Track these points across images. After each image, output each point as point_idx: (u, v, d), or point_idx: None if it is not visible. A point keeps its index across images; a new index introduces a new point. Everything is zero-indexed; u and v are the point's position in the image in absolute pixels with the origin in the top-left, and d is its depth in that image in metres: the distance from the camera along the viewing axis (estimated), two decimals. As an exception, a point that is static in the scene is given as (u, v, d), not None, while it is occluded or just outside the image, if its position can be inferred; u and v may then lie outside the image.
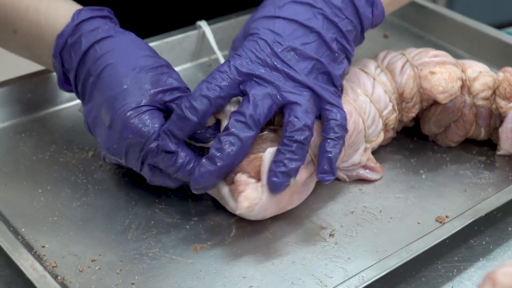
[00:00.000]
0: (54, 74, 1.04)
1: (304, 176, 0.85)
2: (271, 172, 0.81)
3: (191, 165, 0.82)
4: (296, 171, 0.81)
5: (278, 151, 0.82)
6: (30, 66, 1.04)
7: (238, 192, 0.81)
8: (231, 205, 0.83)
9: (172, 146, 0.81)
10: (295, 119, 0.82)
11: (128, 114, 0.83)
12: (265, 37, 0.85)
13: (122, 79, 0.85)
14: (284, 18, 0.87)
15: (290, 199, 0.85)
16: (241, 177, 0.81)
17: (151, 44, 0.91)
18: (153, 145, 0.82)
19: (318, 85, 0.85)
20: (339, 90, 0.88)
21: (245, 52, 0.85)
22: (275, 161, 0.81)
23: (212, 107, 0.82)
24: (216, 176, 0.81)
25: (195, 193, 0.84)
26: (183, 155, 0.82)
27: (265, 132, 0.85)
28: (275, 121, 0.88)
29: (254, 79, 0.83)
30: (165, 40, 1.14)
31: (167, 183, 0.85)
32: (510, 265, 0.48)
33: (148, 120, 0.83)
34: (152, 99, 0.84)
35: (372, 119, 0.92)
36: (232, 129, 0.81)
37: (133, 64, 0.86)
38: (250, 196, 0.81)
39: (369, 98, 0.92)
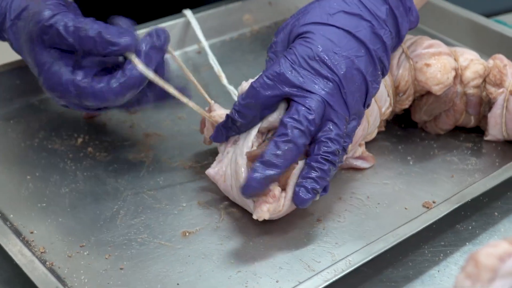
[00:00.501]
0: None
1: None
2: (301, 188, 0.80)
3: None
4: (322, 187, 0.81)
5: (310, 167, 0.80)
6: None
7: (264, 202, 0.79)
8: (249, 205, 0.83)
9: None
10: (332, 142, 0.80)
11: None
12: (321, 43, 0.82)
13: None
14: (338, 28, 0.83)
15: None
16: (275, 190, 0.80)
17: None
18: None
19: (356, 110, 0.83)
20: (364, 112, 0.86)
21: (296, 57, 0.82)
22: (306, 177, 0.80)
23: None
24: (270, 182, 0.79)
25: (245, 197, 0.81)
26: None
27: None
28: None
29: (304, 91, 0.80)
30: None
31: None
32: (494, 246, 0.48)
33: None
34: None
35: (373, 119, 0.93)
36: (290, 136, 0.79)
37: None
38: (273, 209, 0.80)
39: (374, 98, 0.91)
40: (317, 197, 0.81)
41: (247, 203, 0.83)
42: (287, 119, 0.79)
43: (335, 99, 0.81)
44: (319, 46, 0.82)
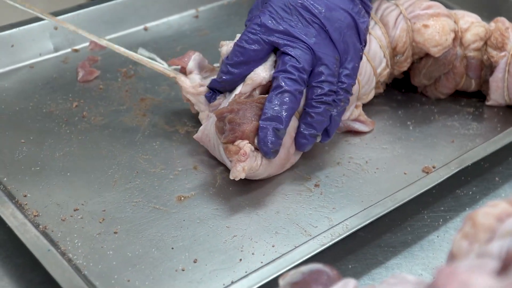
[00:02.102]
0: (37, 24, 1.03)
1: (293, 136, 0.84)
2: (300, 134, 0.82)
3: None
4: (321, 131, 0.83)
5: (306, 113, 0.82)
6: (12, 16, 1.02)
7: (238, 161, 0.79)
8: (227, 164, 0.82)
9: None
10: (324, 83, 0.81)
11: None
12: None
13: None
14: None
15: (283, 162, 0.84)
16: (245, 147, 0.79)
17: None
18: None
19: (347, 48, 0.84)
20: (364, 46, 0.87)
21: (273, 8, 0.83)
22: (304, 123, 0.82)
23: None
24: (282, 135, 0.80)
25: (272, 158, 0.81)
26: None
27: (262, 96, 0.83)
28: None
29: (288, 37, 0.82)
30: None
31: None
32: (492, 205, 0.47)
33: None
34: None
35: (367, 78, 0.91)
36: (284, 87, 0.80)
37: None
38: (248, 167, 0.79)
39: (366, 56, 0.90)
40: (318, 139, 0.83)
41: (227, 163, 0.83)
42: (277, 73, 0.81)
43: (319, 40, 0.82)
44: None
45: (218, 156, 0.85)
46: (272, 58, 0.84)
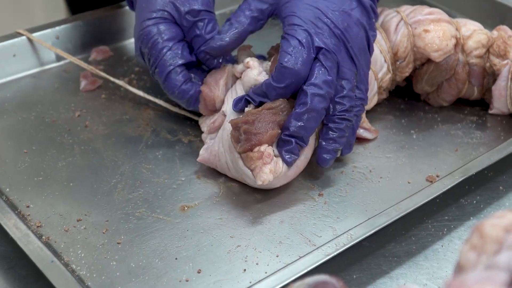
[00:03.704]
0: (39, 33, 1.03)
1: (312, 147, 0.85)
2: (323, 150, 0.83)
3: (186, 86, 0.87)
4: (342, 145, 0.84)
5: (328, 128, 0.83)
6: (13, 25, 1.02)
7: (264, 164, 0.79)
8: (248, 175, 0.81)
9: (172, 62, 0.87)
10: (345, 99, 0.82)
11: (141, 24, 0.88)
12: (319, 5, 0.84)
13: None
14: None
15: (300, 170, 0.84)
16: (268, 150, 0.79)
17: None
18: (156, 53, 0.87)
19: (362, 61, 0.85)
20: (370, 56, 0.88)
21: (305, 23, 0.83)
22: (326, 139, 0.83)
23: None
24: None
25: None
26: (180, 74, 0.88)
27: (278, 100, 0.83)
28: None
29: (322, 51, 0.82)
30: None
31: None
32: (499, 216, 0.47)
33: (158, 30, 0.88)
34: (171, 14, 0.88)
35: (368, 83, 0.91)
36: (310, 105, 0.80)
37: None
38: (274, 170, 0.79)
39: None
40: (338, 154, 0.84)
41: (246, 174, 0.81)
42: (307, 86, 0.81)
43: (342, 55, 0.83)
44: (318, 9, 0.83)
45: (231, 173, 0.84)
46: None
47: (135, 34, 0.91)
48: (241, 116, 0.82)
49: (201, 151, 0.86)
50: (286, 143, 0.81)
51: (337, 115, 0.82)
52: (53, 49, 1.02)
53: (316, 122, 0.81)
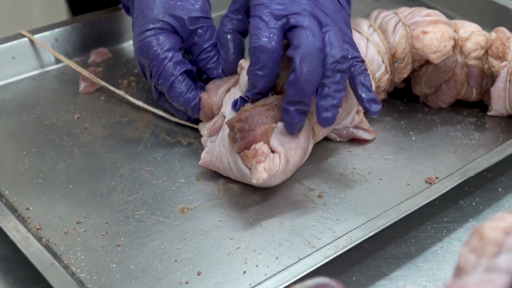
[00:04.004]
0: (39, 35, 1.03)
1: (308, 137, 0.84)
2: (321, 109, 0.80)
3: (191, 94, 0.88)
4: (341, 101, 0.81)
5: (322, 85, 0.80)
6: (12, 28, 1.02)
7: (258, 162, 0.79)
8: (248, 174, 0.81)
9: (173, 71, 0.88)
10: (335, 50, 0.80)
11: (140, 35, 0.89)
12: None
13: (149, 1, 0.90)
14: None
15: (298, 164, 0.84)
16: (262, 147, 0.79)
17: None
18: (158, 64, 0.88)
19: (338, 18, 0.84)
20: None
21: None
22: (323, 96, 0.80)
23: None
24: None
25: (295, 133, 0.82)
26: (183, 82, 0.88)
27: (272, 97, 0.83)
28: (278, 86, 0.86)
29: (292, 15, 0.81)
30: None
31: (172, 111, 0.92)
32: (499, 219, 0.47)
33: (157, 41, 0.88)
34: (170, 23, 0.88)
35: None
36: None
37: None
38: (269, 168, 0.79)
39: None
40: (339, 111, 0.82)
41: (245, 173, 0.81)
42: (293, 52, 0.79)
43: (316, 12, 0.81)
44: None
45: (236, 172, 0.83)
46: None
47: (134, 45, 0.91)
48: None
49: (203, 154, 0.86)
50: (285, 112, 0.80)
51: (327, 68, 0.79)
52: (56, 53, 1.01)
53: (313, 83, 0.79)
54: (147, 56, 0.88)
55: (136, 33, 0.90)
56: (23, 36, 1.02)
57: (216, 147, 0.85)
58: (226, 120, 0.85)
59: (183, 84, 0.88)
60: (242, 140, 0.80)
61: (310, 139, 0.84)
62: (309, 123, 0.84)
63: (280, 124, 0.82)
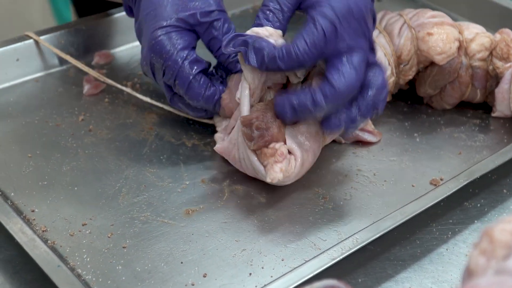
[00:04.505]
0: (42, 37, 1.03)
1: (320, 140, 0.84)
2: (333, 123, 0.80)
3: (210, 91, 0.86)
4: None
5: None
6: (14, 31, 1.02)
7: (275, 162, 0.79)
8: (261, 171, 0.81)
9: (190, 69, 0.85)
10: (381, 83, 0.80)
11: (152, 34, 0.86)
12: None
13: None
14: None
15: (310, 165, 0.84)
16: (282, 148, 0.79)
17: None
18: (172, 64, 0.85)
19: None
20: None
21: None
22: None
23: None
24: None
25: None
26: (200, 81, 0.86)
27: None
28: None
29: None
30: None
31: (186, 110, 0.90)
32: (508, 221, 0.47)
33: (171, 40, 0.85)
34: (184, 20, 0.86)
35: None
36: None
37: None
38: (285, 169, 0.79)
39: None
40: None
41: (259, 169, 0.80)
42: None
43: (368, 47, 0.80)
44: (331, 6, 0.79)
45: (247, 164, 0.82)
46: None
47: (143, 44, 0.88)
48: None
49: (218, 141, 0.86)
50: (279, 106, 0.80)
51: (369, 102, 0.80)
52: (62, 54, 1.01)
53: None
54: (160, 55, 0.85)
55: (147, 32, 0.87)
56: (27, 38, 1.02)
57: (234, 134, 0.83)
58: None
59: (201, 83, 0.86)
60: (261, 138, 0.79)
61: (320, 143, 0.85)
62: (320, 128, 0.83)
63: (296, 126, 0.82)
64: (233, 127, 0.85)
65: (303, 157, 0.81)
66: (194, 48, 0.88)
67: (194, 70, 0.86)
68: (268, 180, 0.79)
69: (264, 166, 0.80)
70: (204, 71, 0.87)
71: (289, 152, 0.81)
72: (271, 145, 0.79)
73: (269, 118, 0.80)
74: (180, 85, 0.86)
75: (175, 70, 0.85)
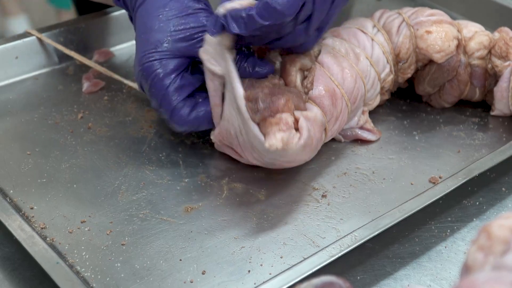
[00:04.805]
0: (42, 35, 1.03)
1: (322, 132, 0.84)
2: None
3: (193, 116, 0.84)
4: None
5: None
6: (16, 28, 1.02)
7: (279, 130, 0.76)
8: (260, 139, 0.78)
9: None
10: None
11: (142, 59, 0.84)
12: None
13: (151, 20, 0.85)
14: None
15: (310, 153, 0.83)
16: (288, 118, 0.77)
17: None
18: (157, 91, 0.83)
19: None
20: None
21: None
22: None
23: None
24: None
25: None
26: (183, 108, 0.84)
27: (277, 78, 0.83)
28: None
29: None
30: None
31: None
32: (506, 217, 0.47)
33: (157, 66, 0.83)
34: (173, 45, 0.84)
35: (371, 82, 0.91)
36: None
37: (163, 4, 0.85)
38: (286, 140, 0.76)
39: (369, 61, 0.91)
40: None
41: (257, 138, 0.78)
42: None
43: None
44: None
45: (244, 136, 0.80)
46: None
47: (135, 64, 0.86)
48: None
49: (212, 131, 0.86)
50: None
51: None
52: (67, 50, 1.01)
53: None
54: (146, 81, 0.84)
55: (138, 56, 0.85)
56: (27, 35, 1.02)
57: (226, 110, 0.82)
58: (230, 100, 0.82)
59: (185, 107, 0.84)
60: (266, 110, 0.77)
61: (322, 137, 0.84)
62: (323, 120, 0.83)
63: (304, 111, 0.81)
64: (221, 112, 0.84)
65: (307, 139, 0.79)
66: (186, 69, 0.85)
67: (179, 96, 0.84)
68: (266, 145, 0.76)
69: (265, 134, 0.77)
70: (192, 93, 0.85)
71: (296, 129, 0.79)
72: (277, 115, 0.77)
73: (275, 93, 0.79)
74: (165, 113, 0.84)
75: (159, 97, 0.84)
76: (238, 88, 0.79)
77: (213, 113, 0.84)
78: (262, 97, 0.78)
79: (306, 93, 0.84)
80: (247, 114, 0.78)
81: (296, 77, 0.84)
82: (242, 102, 0.78)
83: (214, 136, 0.86)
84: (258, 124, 0.78)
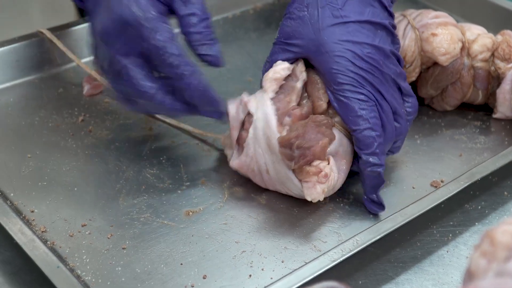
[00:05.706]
0: (43, 38, 1.03)
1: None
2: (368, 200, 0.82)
3: (153, 91, 0.81)
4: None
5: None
6: (16, 31, 1.02)
7: (319, 182, 0.78)
8: (297, 184, 0.79)
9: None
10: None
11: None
12: (347, 56, 0.79)
13: None
14: (354, 22, 0.80)
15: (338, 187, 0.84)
16: (326, 169, 0.78)
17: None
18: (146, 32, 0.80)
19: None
20: None
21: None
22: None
23: None
24: None
25: None
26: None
27: (320, 116, 0.81)
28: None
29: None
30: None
31: (126, 104, 0.85)
32: (510, 223, 0.47)
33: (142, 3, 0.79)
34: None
35: None
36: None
37: None
38: (327, 191, 0.78)
39: None
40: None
41: (293, 182, 0.79)
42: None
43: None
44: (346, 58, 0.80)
45: (272, 173, 0.81)
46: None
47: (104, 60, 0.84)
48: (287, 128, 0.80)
49: (232, 157, 0.84)
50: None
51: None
52: (73, 55, 1.01)
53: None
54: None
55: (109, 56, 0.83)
56: (27, 38, 1.02)
57: (250, 147, 0.81)
58: (258, 118, 0.81)
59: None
60: (302, 157, 0.77)
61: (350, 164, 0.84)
62: (349, 144, 0.83)
63: (337, 134, 0.81)
64: (244, 140, 0.82)
65: (337, 181, 0.81)
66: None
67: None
68: (308, 198, 0.78)
69: (303, 182, 0.79)
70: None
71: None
72: (315, 163, 0.78)
73: (311, 138, 0.78)
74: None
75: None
76: (274, 133, 0.79)
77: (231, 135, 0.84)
78: (297, 143, 0.77)
79: (331, 117, 0.83)
80: (284, 162, 0.79)
81: (325, 102, 0.83)
82: (277, 148, 0.79)
83: (234, 166, 0.84)
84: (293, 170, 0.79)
